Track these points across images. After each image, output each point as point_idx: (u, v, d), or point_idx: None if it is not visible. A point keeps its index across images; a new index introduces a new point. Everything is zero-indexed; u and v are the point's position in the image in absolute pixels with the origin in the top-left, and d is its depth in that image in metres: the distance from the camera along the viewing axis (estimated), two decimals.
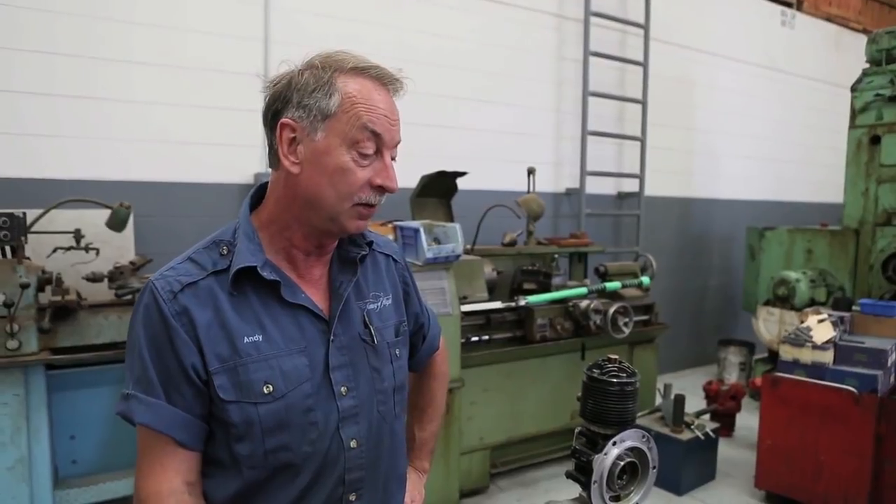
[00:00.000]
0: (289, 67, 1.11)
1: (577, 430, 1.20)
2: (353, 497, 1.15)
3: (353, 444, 1.14)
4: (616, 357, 1.20)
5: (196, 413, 1.07)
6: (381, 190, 1.10)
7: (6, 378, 2.58)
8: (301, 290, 1.14)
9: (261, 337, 1.08)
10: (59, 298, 2.75)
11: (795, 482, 3.48)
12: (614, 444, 1.14)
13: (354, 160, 1.06)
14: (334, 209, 1.08)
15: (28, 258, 2.77)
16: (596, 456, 1.13)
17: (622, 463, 1.14)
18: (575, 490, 1.24)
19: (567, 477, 1.20)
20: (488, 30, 4.93)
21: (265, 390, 1.06)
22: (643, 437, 1.17)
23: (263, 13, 3.98)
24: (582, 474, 1.16)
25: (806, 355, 3.49)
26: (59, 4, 3.40)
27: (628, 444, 1.15)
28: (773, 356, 5.03)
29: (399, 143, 1.12)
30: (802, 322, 3.73)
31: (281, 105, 1.08)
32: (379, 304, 1.25)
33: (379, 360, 1.20)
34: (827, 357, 3.43)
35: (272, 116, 1.10)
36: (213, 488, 1.10)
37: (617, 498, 1.16)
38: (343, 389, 1.13)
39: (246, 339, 1.06)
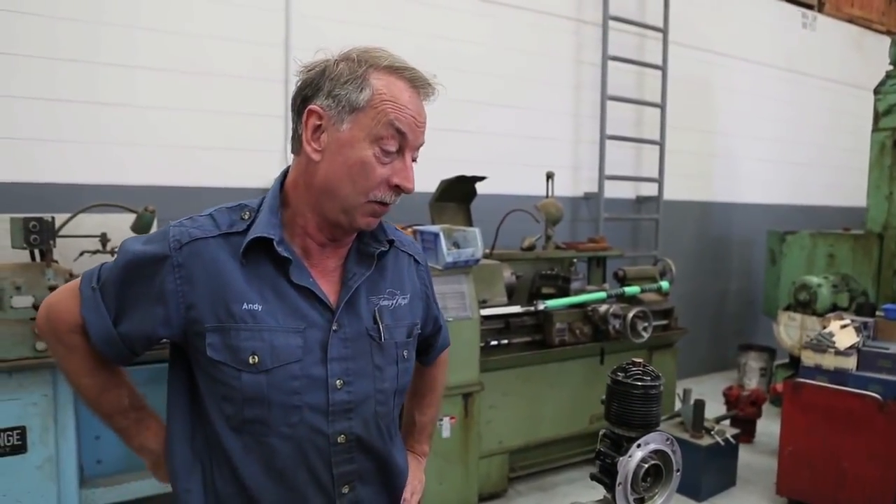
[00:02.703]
0: (325, 56, 1.12)
1: (601, 433, 1.21)
2: (346, 489, 1.16)
3: (340, 438, 1.13)
4: (640, 360, 1.20)
5: (127, 343, 1.12)
6: (398, 190, 1.10)
7: (35, 379, 2.63)
8: (310, 274, 1.14)
9: (260, 307, 1.09)
10: None
11: (818, 489, 3.44)
12: (638, 446, 1.14)
13: (376, 156, 1.07)
14: (348, 202, 1.08)
15: (56, 261, 2.82)
16: (620, 458, 1.13)
17: (646, 465, 1.14)
18: (597, 493, 1.25)
19: (591, 479, 1.21)
20: (507, 34, 4.95)
21: (251, 360, 1.07)
22: (667, 439, 1.17)
23: (284, 20, 4.03)
24: (606, 476, 1.16)
25: (828, 361, 3.45)
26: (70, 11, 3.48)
27: (652, 446, 1.15)
28: (795, 362, 4.98)
29: (422, 145, 1.14)
30: (825, 327, 3.69)
31: (311, 92, 1.09)
32: (394, 301, 1.24)
33: (384, 359, 1.19)
34: (850, 363, 3.40)
35: (301, 101, 1.11)
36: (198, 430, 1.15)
37: (641, 500, 1.16)
38: (338, 382, 1.12)
39: (245, 306, 1.08)
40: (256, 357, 1.07)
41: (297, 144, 1.13)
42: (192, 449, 1.16)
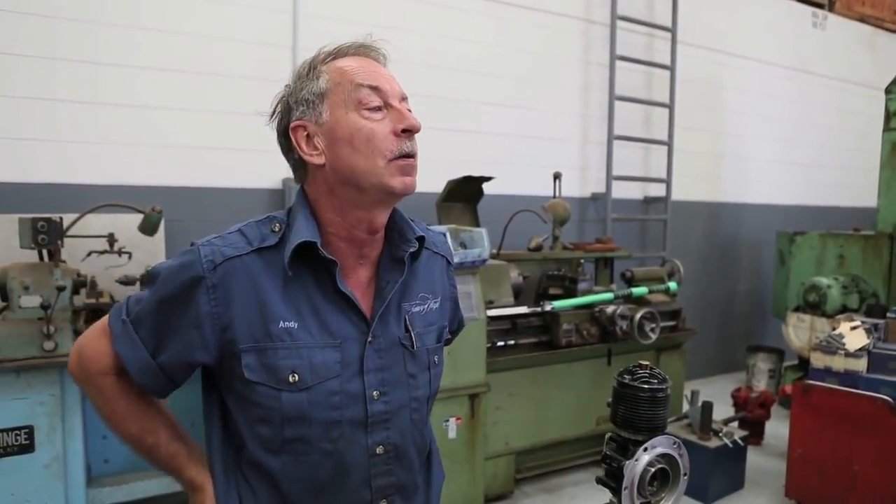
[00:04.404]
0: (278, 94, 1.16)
1: (607, 436, 1.20)
2: (383, 503, 1.14)
3: (379, 450, 1.12)
4: (647, 363, 1.19)
5: (168, 373, 1.10)
6: (407, 133, 1.08)
7: (43, 378, 2.64)
8: (346, 284, 1.12)
9: (296, 324, 1.07)
10: (93, 301, 2.82)
11: (828, 493, 3.41)
12: (645, 450, 1.13)
13: (365, 117, 1.06)
14: (371, 172, 1.05)
15: (64, 261, 2.84)
16: (626, 462, 1.12)
17: (653, 469, 1.13)
18: (603, 496, 1.24)
19: (597, 482, 1.20)
20: (515, 34, 4.94)
21: (290, 379, 1.05)
22: (674, 443, 1.16)
23: (292, 21, 4.04)
24: (612, 480, 1.15)
25: (838, 363, 3.42)
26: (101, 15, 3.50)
27: (659, 450, 1.14)
28: (804, 363, 4.95)
29: (406, 98, 1.12)
30: (834, 329, 3.66)
31: (286, 119, 1.12)
32: (426, 306, 1.22)
33: (416, 367, 1.18)
34: (860, 365, 3.36)
35: (283, 135, 1.13)
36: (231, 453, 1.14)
37: None
38: (375, 393, 1.11)
39: (281, 324, 1.06)
40: (296, 375, 1.05)
41: (300, 173, 1.14)
42: (227, 477, 1.15)
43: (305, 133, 1.09)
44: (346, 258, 1.12)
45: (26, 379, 2.61)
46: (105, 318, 1.13)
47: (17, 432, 2.62)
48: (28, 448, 2.64)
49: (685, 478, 1.18)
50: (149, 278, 1.11)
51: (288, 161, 1.16)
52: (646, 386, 1.14)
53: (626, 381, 1.16)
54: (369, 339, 1.11)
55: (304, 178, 1.14)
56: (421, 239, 1.18)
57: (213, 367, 1.11)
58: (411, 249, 1.16)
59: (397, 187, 1.07)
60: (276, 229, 1.10)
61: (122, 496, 2.88)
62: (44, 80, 3.40)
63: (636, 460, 1.12)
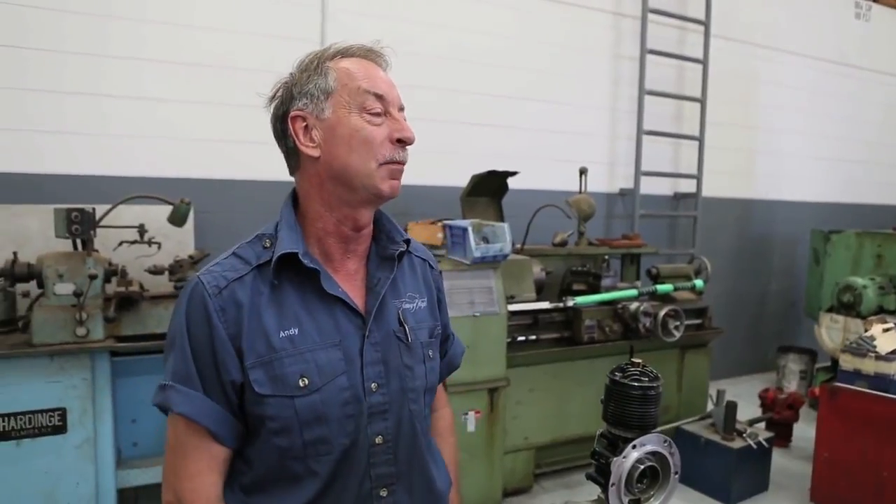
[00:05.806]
0: (279, 79, 1.20)
1: (598, 433, 1.21)
2: (384, 493, 1.16)
3: (378, 439, 1.15)
4: (639, 361, 1.20)
5: (228, 408, 1.11)
6: (402, 143, 1.13)
7: (76, 363, 2.76)
8: (337, 283, 1.16)
9: (296, 330, 1.10)
10: (123, 289, 2.92)
11: (855, 498, 3.34)
12: (634, 447, 1.14)
13: (367, 121, 1.10)
14: (362, 172, 1.10)
15: (96, 251, 2.94)
16: (615, 459, 1.13)
17: (642, 467, 1.14)
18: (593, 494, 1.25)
19: (587, 478, 1.21)
20: (542, 28, 4.90)
21: (301, 383, 1.08)
22: (665, 441, 1.16)
23: (320, 16, 4.09)
24: (601, 476, 1.17)
25: (868, 366, 3.34)
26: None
27: (649, 448, 1.14)
28: (837, 365, 4.83)
29: (404, 108, 1.17)
30: (866, 331, 3.57)
31: (285, 106, 1.15)
32: (414, 305, 1.27)
33: (412, 359, 1.21)
34: (892, 368, 3.28)
35: (280, 121, 1.16)
36: (238, 475, 1.15)
37: (636, 502, 1.16)
38: (373, 386, 1.14)
39: (282, 334, 1.09)
40: (306, 379, 1.09)
41: (292, 161, 1.18)
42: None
43: (304, 124, 1.13)
44: (334, 251, 1.18)
45: (59, 363, 2.73)
46: (167, 440, 1.13)
47: (51, 414, 2.74)
48: (61, 429, 2.76)
49: (676, 476, 1.18)
50: (168, 334, 1.14)
51: (280, 147, 1.20)
52: (636, 384, 1.14)
53: (618, 378, 1.17)
54: (366, 333, 1.15)
55: (296, 167, 1.18)
56: (407, 241, 1.25)
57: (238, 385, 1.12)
58: (400, 249, 1.23)
59: (385, 190, 1.13)
60: (268, 245, 1.15)
61: (150, 478, 2.98)
62: (86, 75, 3.53)
63: (624, 457, 1.13)
